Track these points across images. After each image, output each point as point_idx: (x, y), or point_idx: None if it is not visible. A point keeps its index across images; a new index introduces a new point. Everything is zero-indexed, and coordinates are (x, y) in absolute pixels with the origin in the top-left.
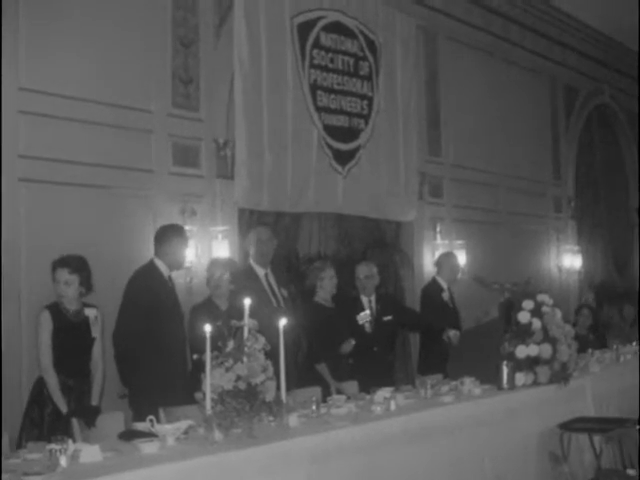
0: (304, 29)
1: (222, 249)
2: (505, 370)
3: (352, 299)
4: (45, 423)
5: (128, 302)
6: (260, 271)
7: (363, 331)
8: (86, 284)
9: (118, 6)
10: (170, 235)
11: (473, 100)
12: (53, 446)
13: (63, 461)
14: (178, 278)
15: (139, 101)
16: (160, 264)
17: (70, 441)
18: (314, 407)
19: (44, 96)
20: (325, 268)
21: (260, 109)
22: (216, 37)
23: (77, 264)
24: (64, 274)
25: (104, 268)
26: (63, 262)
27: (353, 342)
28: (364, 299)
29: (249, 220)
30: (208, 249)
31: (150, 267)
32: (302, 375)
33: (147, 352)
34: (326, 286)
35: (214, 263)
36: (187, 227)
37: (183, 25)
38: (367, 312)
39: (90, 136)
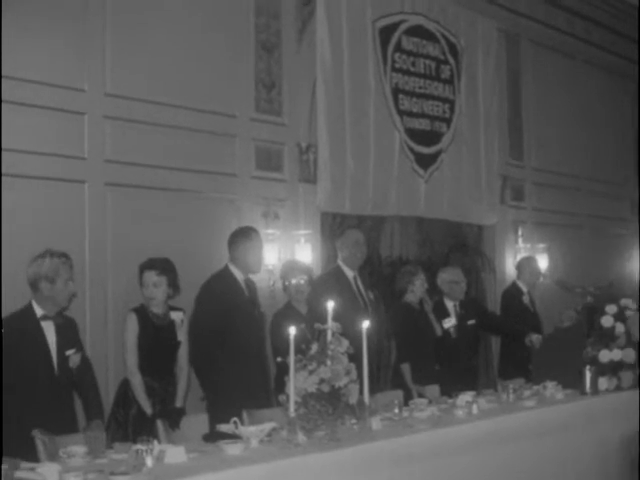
0: (386, 33)
1: (304, 253)
2: (588, 375)
3: (436, 303)
4: (130, 424)
5: (202, 307)
6: (349, 273)
7: (448, 335)
8: (173, 285)
9: (201, 12)
10: (238, 239)
11: (555, 103)
12: (139, 447)
13: (149, 461)
14: (260, 282)
15: (223, 106)
16: (234, 269)
17: (155, 442)
18: (396, 410)
19: (130, 102)
20: (417, 273)
21: (342, 113)
22: (298, 42)
23: (164, 266)
24: (152, 276)
25: (189, 272)
26: (151, 264)
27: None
28: (448, 303)
29: (332, 224)
30: (291, 253)
31: (224, 272)
32: (383, 378)
33: (222, 356)
34: (417, 290)
35: (290, 268)
36: (270, 231)
37: (265, 30)
38: (452, 319)
39: (175, 141)
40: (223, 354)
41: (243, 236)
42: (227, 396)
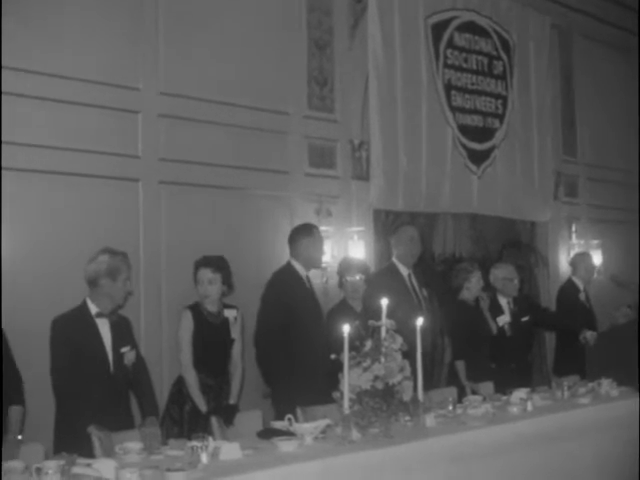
0: (438, 29)
1: (357, 250)
2: None
3: (490, 300)
4: (185, 421)
5: (267, 304)
6: (404, 271)
7: (503, 333)
8: (228, 283)
9: (254, 10)
10: (299, 235)
11: (608, 98)
12: (194, 443)
13: (204, 458)
14: (314, 279)
15: (276, 103)
16: (296, 265)
17: (210, 438)
18: (450, 407)
19: (183, 100)
20: (473, 270)
21: (394, 110)
22: (350, 38)
23: (219, 263)
24: (207, 273)
25: (242, 269)
26: (205, 262)
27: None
28: (502, 300)
29: (384, 221)
30: (344, 250)
31: (287, 269)
32: (437, 376)
33: (288, 352)
34: (472, 288)
35: (347, 265)
36: (323, 228)
37: (318, 27)
38: (507, 316)
39: (228, 138)
40: (287, 350)
41: (305, 232)
42: (290, 392)
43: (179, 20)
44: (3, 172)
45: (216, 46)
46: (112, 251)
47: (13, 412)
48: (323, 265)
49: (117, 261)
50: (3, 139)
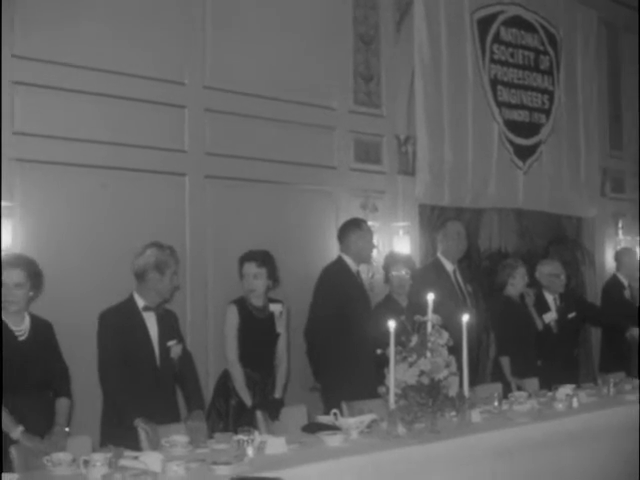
0: (484, 24)
1: (403, 245)
2: None
3: (536, 296)
4: (230, 415)
5: (319, 298)
6: (449, 266)
7: (549, 330)
8: (273, 277)
9: (300, 5)
10: (348, 230)
11: None
12: (240, 437)
13: (250, 452)
14: (361, 273)
15: (322, 98)
16: (347, 259)
17: (256, 432)
18: (496, 403)
19: (229, 94)
20: (517, 266)
21: (440, 105)
22: (396, 33)
23: (264, 258)
24: (252, 268)
25: (288, 263)
26: (250, 256)
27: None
28: (548, 297)
29: (430, 216)
30: (389, 245)
31: (338, 263)
32: (482, 371)
33: (338, 347)
34: (517, 284)
35: (393, 260)
36: (369, 223)
37: (364, 22)
38: (553, 313)
39: (274, 133)
40: (338, 344)
41: (354, 226)
42: (340, 386)
43: (225, 15)
44: (53, 167)
45: (262, 41)
46: (160, 245)
47: (60, 405)
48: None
49: (165, 255)
50: (55, 135)
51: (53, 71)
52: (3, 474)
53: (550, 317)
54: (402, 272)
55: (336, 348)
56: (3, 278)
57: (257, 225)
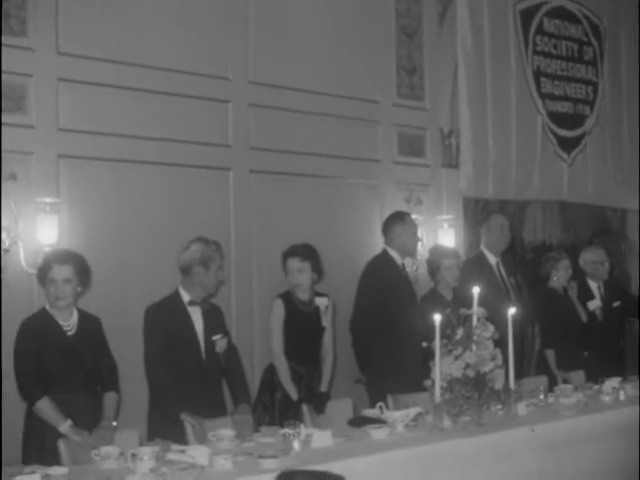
0: (527, 15)
1: (448, 238)
2: None
3: (580, 284)
4: (276, 408)
5: (364, 291)
6: (492, 259)
7: (594, 319)
8: (317, 270)
9: None
10: (392, 223)
11: None
12: (286, 430)
13: (296, 445)
14: (406, 267)
15: (365, 92)
16: (392, 252)
17: (302, 426)
18: (542, 396)
19: (273, 89)
20: (561, 259)
21: (484, 97)
22: (439, 26)
23: (307, 252)
24: (295, 262)
25: (333, 257)
26: (293, 251)
27: None
28: (592, 284)
29: (474, 209)
30: (434, 238)
31: (383, 256)
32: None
33: (383, 339)
34: (561, 276)
35: (438, 253)
36: (413, 216)
37: (406, 15)
38: (597, 300)
39: (318, 127)
40: (383, 337)
41: (398, 219)
42: (385, 379)
43: (268, 9)
44: (99, 163)
45: (305, 35)
46: (205, 240)
47: (108, 399)
48: None
49: (210, 250)
50: (100, 131)
51: (98, 68)
52: (54, 467)
53: (595, 304)
54: (448, 265)
55: (381, 341)
56: (52, 274)
57: (301, 219)
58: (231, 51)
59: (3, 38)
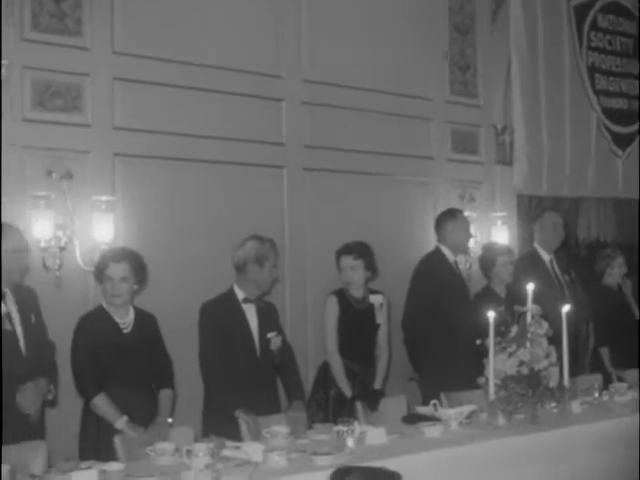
0: (581, 11)
1: (501, 235)
2: None
3: (634, 284)
4: (330, 405)
5: (416, 289)
6: (546, 256)
7: None
8: (371, 268)
9: None
10: (444, 220)
11: None
12: (340, 427)
13: (350, 442)
14: (459, 264)
15: (418, 89)
16: (444, 249)
17: (356, 423)
18: (596, 394)
19: (326, 87)
20: (616, 256)
21: (537, 93)
22: (492, 23)
23: (360, 250)
24: (349, 260)
25: (387, 254)
26: (346, 249)
27: None
28: None
29: (527, 206)
30: (487, 236)
31: (436, 253)
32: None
33: (436, 337)
34: (615, 274)
35: (492, 251)
36: (466, 213)
37: (459, 12)
38: None
39: (371, 124)
40: (435, 334)
41: (449, 216)
42: (437, 376)
43: (320, 7)
44: (153, 161)
45: (358, 32)
46: (260, 238)
47: (164, 396)
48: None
49: (265, 248)
50: (155, 129)
51: (153, 67)
52: (110, 462)
53: None
54: (502, 262)
55: (433, 338)
56: (109, 272)
57: (355, 216)
58: (284, 49)
59: (60, 38)
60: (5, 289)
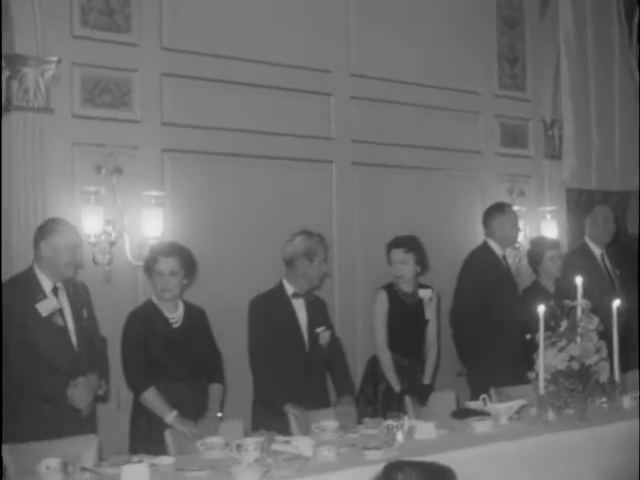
0: (630, 4)
1: (550, 229)
2: None
3: None
4: (378, 400)
5: (464, 283)
6: (596, 250)
7: None
8: (421, 262)
9: None
10: (492, 214)
11: None
12: (390, 422)
13: (400, 437)
14: (507, 258)
15: (467, 83)
16: (492, 244)
17: (406, 417)
18: None
19: (375, 81)
20: None
21: (587, 87)
22: (541, 16)
23: (411, 243)
24: (399, 254)
25: (436, 248)
26: (397, 243)
27: None
28: None
29: (577, 200)
30: (536, 230)
31: (484, 248)
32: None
33: (485, 332)
34: None
35: (540, 245)
36: (515, 207)
37: (507, 6)
38: None
39: (419, 119)
40: (483, 329)
41: (497, 210)
42: (485, 371)
43: (369, 1)
44: (202, 156)
45: (405, 27)
46: (309, 233)
47: (213, 390)
48: (516, 245)
49: (314, 242)
50: (204, 125)
51: (201, 62)
52: (160, 456)
53: None
54: (551, 256)
55: (482, 333)
56: (158, 266)
57: (403, 211)
58: (333, 44)
59: (109, 35)
60: (59, 284)
